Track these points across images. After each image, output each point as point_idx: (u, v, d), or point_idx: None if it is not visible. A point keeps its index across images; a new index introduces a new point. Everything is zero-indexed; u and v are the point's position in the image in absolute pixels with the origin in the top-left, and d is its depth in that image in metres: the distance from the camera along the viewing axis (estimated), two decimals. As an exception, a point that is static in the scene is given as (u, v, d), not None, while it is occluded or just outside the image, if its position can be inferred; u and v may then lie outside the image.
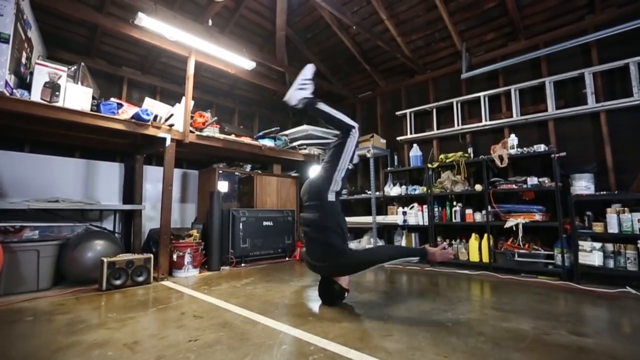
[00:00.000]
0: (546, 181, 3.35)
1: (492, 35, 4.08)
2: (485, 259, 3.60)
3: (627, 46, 3.23)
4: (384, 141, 4.95)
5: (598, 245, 2.91)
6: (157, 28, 3.25)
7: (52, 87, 2.77)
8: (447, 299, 2.51)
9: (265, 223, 4.43)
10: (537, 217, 3.33)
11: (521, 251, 3.35)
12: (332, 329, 1.89)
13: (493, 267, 3.52)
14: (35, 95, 2.69)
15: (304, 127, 4.99)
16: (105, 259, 2.85)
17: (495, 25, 3.97)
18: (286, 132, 5.12)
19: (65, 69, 2.91)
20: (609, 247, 2.89)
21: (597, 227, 2.96)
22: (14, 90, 2.59)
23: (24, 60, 2.84)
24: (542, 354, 1.53)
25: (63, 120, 2.84)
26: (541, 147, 3.44)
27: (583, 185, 3.14)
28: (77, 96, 2.92)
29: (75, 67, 3.16)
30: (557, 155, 3.26)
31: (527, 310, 2.21)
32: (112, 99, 3.30)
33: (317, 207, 2.38)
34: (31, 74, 2.75)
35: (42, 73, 2.74)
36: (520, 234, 3.34)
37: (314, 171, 2.57)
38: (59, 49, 3.95)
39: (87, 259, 2.99)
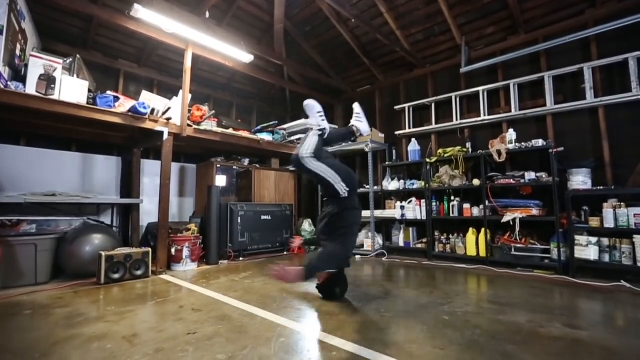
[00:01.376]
0: (544, 176, 3.36)
1: (492, 29, 4.05)
2: (482, 253, 3.62)
3: (626, 41, 3.22)
4: (383, 135, 4.94)
5: (594, 239, 2.93)
6: (154, 20, 3.21)
7: (48, 80, 2.74)
8: (444, 293, 2.53)
9: (263, 217, 4.43)
10: (534, 211, 3.34)
11: (518, 245, 3.38)
12: (330, 322, 1.90)
13: (490, 261, 3.54)
14: (31, 88, 2.66)
15: (302, 121, 4.97)
16: (103, 253, 2.85)
17: (495, 18, 3.94)
18: (284, 126, 5.10)
19: (61, 61, 2.88)
20: (605, 241, 2.91)
21: (594, 222, 2.98)
22: (9, 83, 2.56)
23: (18, 52, 2.80)
24: (537, 347, 1.55)
25: (59, 113, 2.81)
26: (539, 142, 3.44)
27: (580, 180, 3.15)
28: (73, 89, 2.89)
29: (70, 59, 3.12)
30: (554, 150, 3.26)
31: (523, 303, 2.24)
32: (108, 92, 3.27)
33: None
34: (26, 66, 2.72)
35: (37, 65, 2.71)
36: (517, 229, 3.36)
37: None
38: (54, 41, 3.89)
39: (85, 253, 2.99)
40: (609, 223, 2.88)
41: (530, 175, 3.43)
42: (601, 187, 3.11)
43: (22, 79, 2.67)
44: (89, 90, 3.05)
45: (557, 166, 3.26)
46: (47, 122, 3.29)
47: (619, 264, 2.82)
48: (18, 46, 2.80)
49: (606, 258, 2.89)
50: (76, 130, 3.60)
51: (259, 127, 4.82)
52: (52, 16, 3.71)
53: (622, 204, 2.86)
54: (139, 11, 3.05)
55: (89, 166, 4.09)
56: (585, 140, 3.44)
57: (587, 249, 2.94)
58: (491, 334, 1.71)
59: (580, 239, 3.00)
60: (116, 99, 3.23)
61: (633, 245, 2.76)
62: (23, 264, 2.76)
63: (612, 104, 3.25)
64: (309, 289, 2.64)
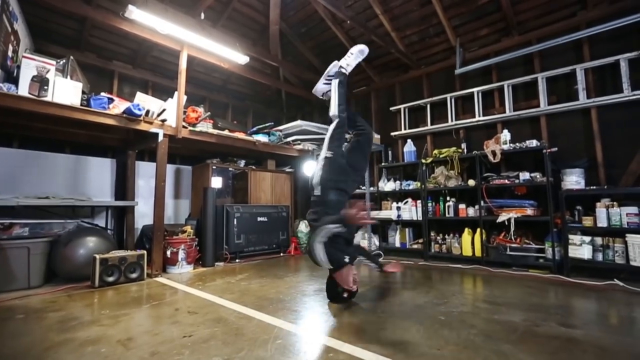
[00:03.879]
0: (538, 176, 3.39)
1: (486, 30, 4.09)
2: (478, 253, 3.64)
3: (618, 42, 3.26)
4: (378, 137, 4.96)
5: (587, 239, 2.96)
6: (148, 21, 3.19)
7: (41, 81, 2.71)
8: (440, 293, 2.54)
9: (259, 219, 4.42)
10: (529, 211, 3.37)
11: (513, 245, 3.40)
12: (326, 324, 1.90)
13: (485, 261, 3.57)
14: (23, 90, 2.63)
15: (298, 122, 4.97)
16: (97, 256, 2.82)
17: (489, 20, 3.98)
18: (280, 128, 5.10)
19: (54, 62, 2.85)
20: (598, 240, 2.94)
21: (587, 221, 3.01)
22: (1, 84, 2.53)
23: (10, 54, 2.77)
24: (532, 345, 1.56)
25: (52, 115, 2.78)
26: (533, 143, 3.47)
27: (574, 180, 3.19)
28: (66, 90, 2.87)
29: (64, 60, 3.09)
30: (548, 150, 3.29)
31: (518, 303, 2.25)
32: (102, 94, 3.24)
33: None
34: (18, 67, 2.70)
35: (29, 67, 2.68)
36: (512, 229, 3.39)
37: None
38: (47, 42, 3.86)
39: (79, 256, 2.96)
40: (602, 222, 2.91)
41: (524, 176, 3.46)
42: (594, 187, 3.15)
43: (15, 81, 2.64)
44: (83, 92, 3.02)
45: (551, 166, 3.29)
46: (40, 124, 3.26)
47: (612, 263, 2.85)
48: (10, 47, 2.77)
49: (599, 257, 2.92)
50: (70, 132, 3.57)
51: (254, 129, 4.81)
52: (45, 17, 3.68)
53: (615, 203, 2.89)
54: (133, 12, 3.03)
55: (83, 168, 4.06)
56: (578, 140, 3.47)
57: (580, 248, 2.97)
58: (487, 333, 1.71)
59: (574, 238, 3.02)
60: (110, 100, 3.21)
61: (625, 244, 2.79)
62: (15, 268, 2.73)
63: (604, 104, 3.29)
64: (306, 291, 2.64)
